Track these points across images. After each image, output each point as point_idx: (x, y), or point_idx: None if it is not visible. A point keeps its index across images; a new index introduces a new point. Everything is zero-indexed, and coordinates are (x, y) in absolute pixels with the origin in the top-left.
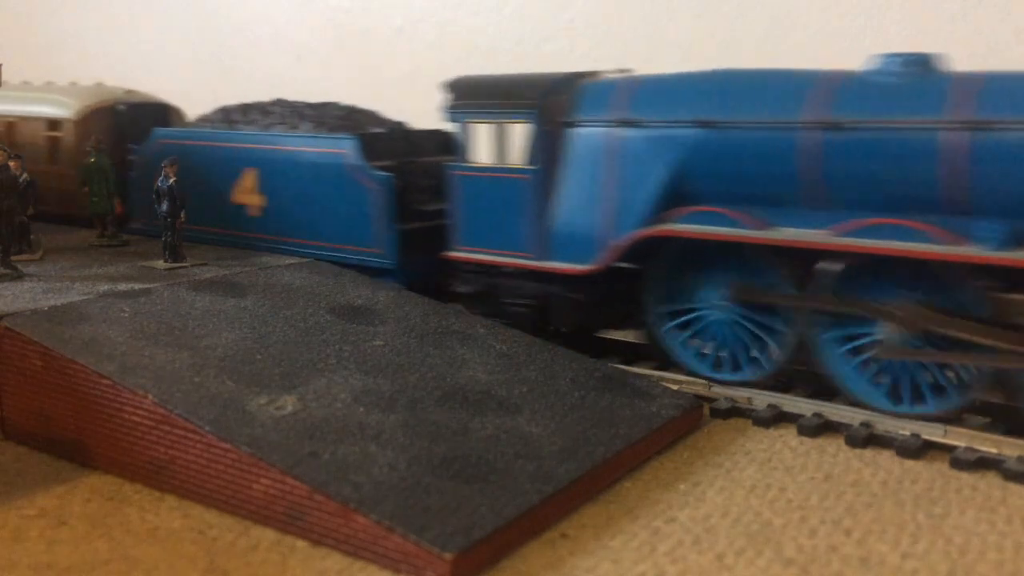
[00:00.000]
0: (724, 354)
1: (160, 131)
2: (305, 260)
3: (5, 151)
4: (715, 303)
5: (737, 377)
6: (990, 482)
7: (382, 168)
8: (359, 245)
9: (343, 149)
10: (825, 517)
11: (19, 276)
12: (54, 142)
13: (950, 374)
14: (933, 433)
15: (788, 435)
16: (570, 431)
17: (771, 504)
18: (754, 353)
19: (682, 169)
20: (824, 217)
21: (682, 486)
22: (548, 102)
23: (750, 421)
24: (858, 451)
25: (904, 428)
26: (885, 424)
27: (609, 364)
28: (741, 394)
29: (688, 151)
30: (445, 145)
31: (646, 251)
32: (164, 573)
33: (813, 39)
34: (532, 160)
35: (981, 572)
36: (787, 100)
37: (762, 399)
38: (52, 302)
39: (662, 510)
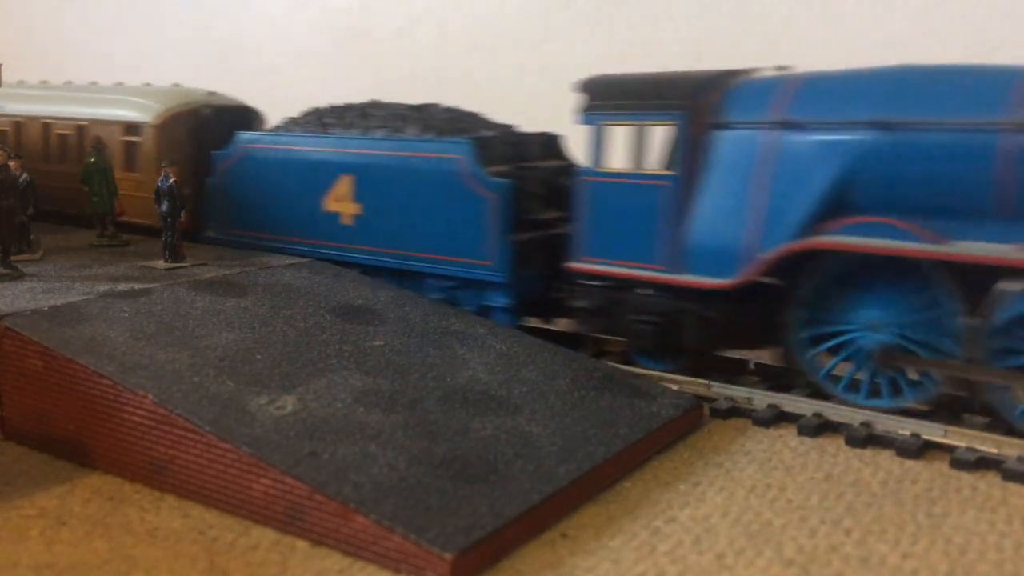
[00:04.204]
0: (877, 380)
1: (244, 135)
2: (305, 260)
3: (5, 151)
4: (871, 325)
5: (894, 403)
6: (990, 482)
7: (497, 174)
8: (467, 257)
9: (456, 154)
10: (825, 517)
11: (19, 276)
12: (131, 147)
13: None
14: (933, 433)
15: (788, 435)
16: (570, 431)
17: (771, 504)
18: (914, 376)
19: (847, 176)
20: (1015, 231)
21: (682, 486)
22: (697, 102)
23: (750, 421)
24: (858, 451)
25: (904, 428)
26: (885, 424)
27: (609, 364)
28: (741, 394)
29: (858, 156)
30: (553, 149)
31: (794, 266)
32: (164, 573)
33: (813, 38)
34: (673, 165)
35: (981, 572)
36: (983, 99)
37: (762, 399)
38: (52, 302)
39: (662, 510)
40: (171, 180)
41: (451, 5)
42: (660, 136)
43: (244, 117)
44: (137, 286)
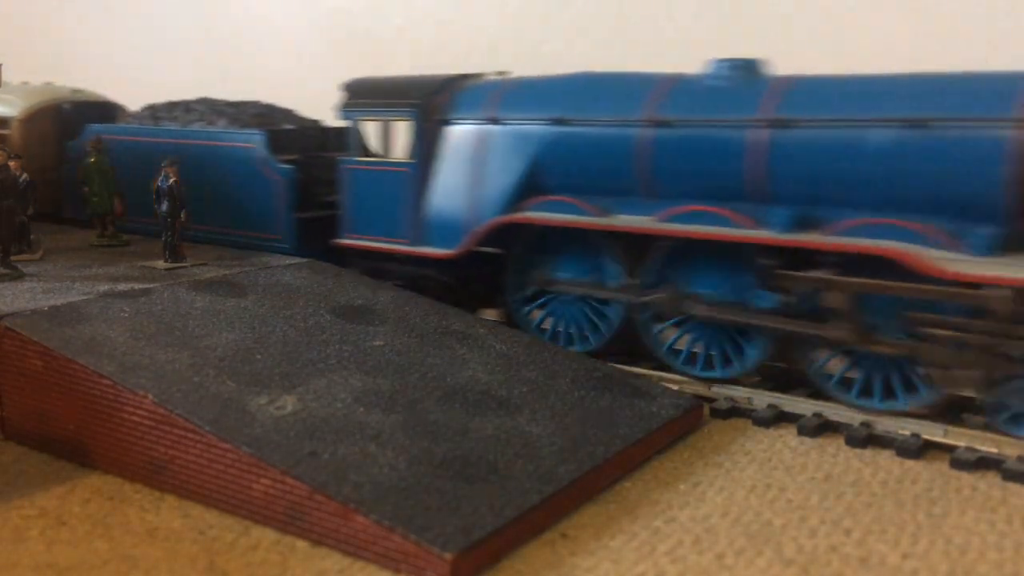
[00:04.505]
0: (570, 330)
1: (92, 127)
2: (305, 260)
3: (5, 151)
4: (561, 285)
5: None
6: (990, 482)
7: (286, 162)
8: (263, 232)
9: (252, 143)
10: (825, 517)
11: (19, 276)
12: (1, 139)
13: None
14: (933, 433)
15: (788, 435)
16: (570, 431)
17: (771, 504)
18: (587, 331)
19: (538, 163)
20: (654, 205)
21: (682, 486)
22: (429, 102)
23: (750, 421)
24: (858, 451)
25: (904, 428)
26: (885, 424)
27: (609, 364)
28: (741, 394)
29: (543, 146)
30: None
31: (507, 237)
32: (164, 573)
33: (812, 38)
34: (412, 154)
35: (981, 572)
36: (628, 101)
37: (762, 399)
38: (52, 302)
39: (662, 510)
40: (171, 180)
41: (451, 5)
42: (402, 129)
43: (105, 111)
44: (137, 286)
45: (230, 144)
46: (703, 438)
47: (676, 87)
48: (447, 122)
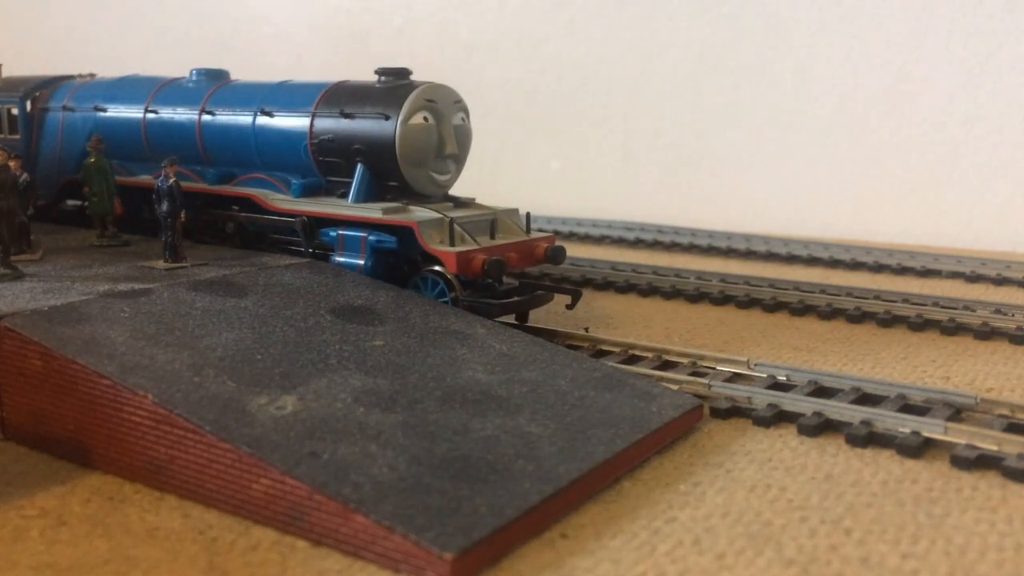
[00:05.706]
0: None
1: None
2: (305, 260)
3: (5, 151)
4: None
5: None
6: (990, 482)
7: None
8: None
9: None
10: (825, 517)
11: (19, 276)
12: None
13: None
14: (933, 430)
15: (788, 435)
16: (570, 431)
17: (771, 504)
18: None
19: (94, 133)
20: (153, 166)
21: (682, 486)
22: (32, 95)
23: (750, 421)
24: (858, 451)
25: (904, 426)
26: (885, 423)
27: (609, 364)
28: (741, 394)
29: (93, 126)
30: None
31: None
32: (164, 573)
33: (811, 39)
34: (21, 131)
35: (981, 572)
36: (138, 96)
37: (762, 399)
38: (52, 302)
39: (662, 510)
40: (171, 180)
41: (451, 5)
42: (16, 113)
43: None
44: (137, 286)
45: None
46: (703, 438)
47: (166, 87)
48: (46, 109)
